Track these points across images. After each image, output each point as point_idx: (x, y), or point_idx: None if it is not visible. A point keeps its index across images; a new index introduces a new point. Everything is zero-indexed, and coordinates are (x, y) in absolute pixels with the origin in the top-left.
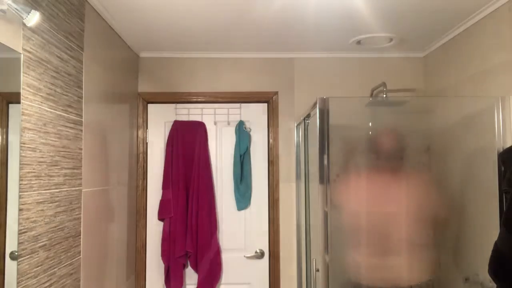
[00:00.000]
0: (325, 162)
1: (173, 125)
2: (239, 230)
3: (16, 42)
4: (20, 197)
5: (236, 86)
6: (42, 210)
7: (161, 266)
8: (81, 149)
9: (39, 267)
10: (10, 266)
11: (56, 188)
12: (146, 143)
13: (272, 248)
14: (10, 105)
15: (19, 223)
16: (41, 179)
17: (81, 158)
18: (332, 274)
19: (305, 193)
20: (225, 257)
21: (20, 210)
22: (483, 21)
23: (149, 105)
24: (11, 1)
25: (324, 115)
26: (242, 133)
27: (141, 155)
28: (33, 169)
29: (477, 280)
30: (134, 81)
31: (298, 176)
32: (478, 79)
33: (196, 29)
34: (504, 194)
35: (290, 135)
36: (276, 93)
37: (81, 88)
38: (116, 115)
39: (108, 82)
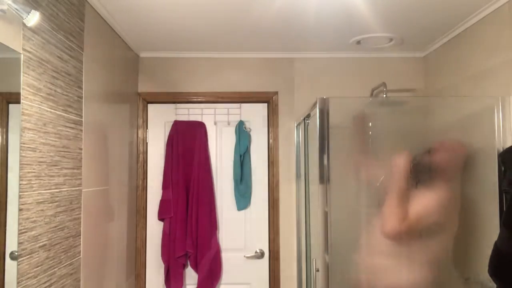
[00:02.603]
0: (325, 162)
1: (173, 125)
2: (239, 230)
3: (16, 42)
4: (20, 197)
5: (236, 86)
6: (42, 210)
7: (161, 266)
8: (81, 149)
9: (39, 267)
10: (10, 266)
11: (56, 188)
12: (146, 143)
13: (272, 248)
14: (10, 105)
15: (19, 223)
16: (41, 179)
17: (81, 158)
18: (332, 274)
19: (305, 193)
20: (225, 257)
21: (20, 210)
22: (483, 21)
23: (149, 105)
24: (11, 1)
25: (324, 115)
26: (242, 133)
27: (141, 155)
28: (33, 169)
29: (477, 280)
30: (134, 81)
31: (298, 176)
32: (478, 79)
33: (196, 29)
34: (504, 194)
35: (290, 135)
36: (276, 93)
37: (81, 88)
38: (116, 115)
39: (108, 82)
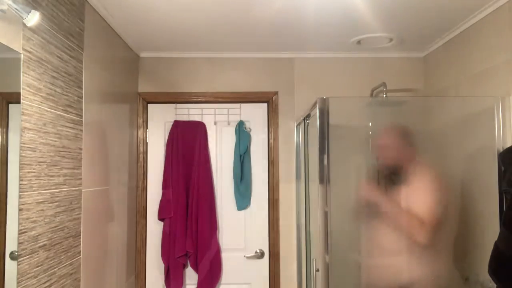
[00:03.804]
0: (325, 162)
1: (173, 125)
2: (239, 230)
3: (16, 42)
4: (20, 197)
5: (236, 86)
6: (42, 210)
7: (161, 266)
8: (81, 149)
9: (39, 267)
10: (10, 266)
11: (56, 188)
12: (146, 143)
13: (272, 248)
14: (10, 105)
15: (19, 223)
16: (41, 179)
17: (81, 158)
18: (332, 274)
19: (305, 193)
20: (225, 257)
21: (20, 210)
22: (483, 21)
23: (149, 105)
24: (11, 1)
25: (324, 115)
26: (242, 133)
27: (141, 155)
28: (33, 169)
29: (477, 280)
30: (134, 81)
31: (298, 176)
32: (478, 79)
33: (196, 29)
34: (504, 194)
35: (290, 135)
36: (276, 93)
37: (81, 88)
38: (116, 115)
39: (108, 82)
